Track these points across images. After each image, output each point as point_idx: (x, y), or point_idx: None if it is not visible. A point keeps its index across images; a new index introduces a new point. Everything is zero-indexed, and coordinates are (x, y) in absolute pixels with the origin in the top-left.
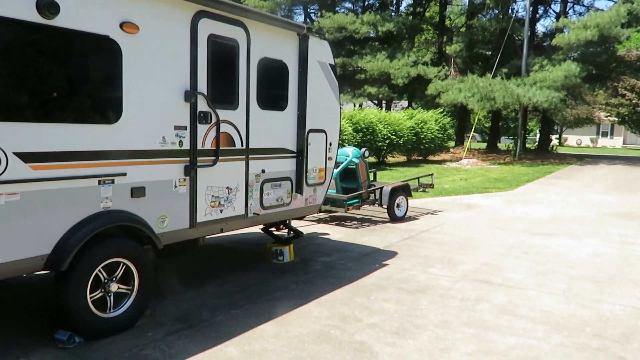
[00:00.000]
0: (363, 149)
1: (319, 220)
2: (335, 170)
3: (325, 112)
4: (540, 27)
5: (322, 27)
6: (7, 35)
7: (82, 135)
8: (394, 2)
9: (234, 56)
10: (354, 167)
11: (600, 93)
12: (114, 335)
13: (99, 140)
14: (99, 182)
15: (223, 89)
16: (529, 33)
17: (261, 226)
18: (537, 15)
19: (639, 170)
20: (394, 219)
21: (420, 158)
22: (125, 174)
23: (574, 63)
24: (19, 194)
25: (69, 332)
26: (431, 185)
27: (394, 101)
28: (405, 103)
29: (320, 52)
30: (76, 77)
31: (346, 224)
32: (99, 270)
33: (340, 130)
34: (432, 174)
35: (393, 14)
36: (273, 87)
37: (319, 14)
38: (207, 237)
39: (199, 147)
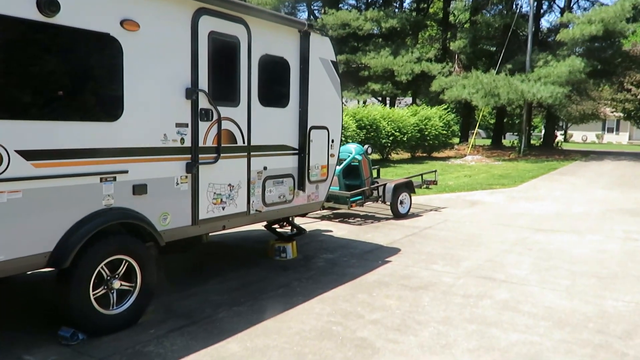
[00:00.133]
0: (366, 146)
1: (322, 217)
2: (338, 167)
3: (327, 108)
4: (544, 23)
5: (325, 23)
6: (7, 34)
7: (83, 132)
8: None
9: (235, 53)
10: (357, 163)
11: (606, 88)
12: (116, 332)
13: (100, 138)
14: (101, 179)
15: (224, 86)
16: (533, 28)
17: (264, 223)
18: (542, 11)
19: None
20: (397, 215)
21: (424, 155)
22: (127, 172)
23: (579, 58)
24: (21, 192)
25: (72, 329)
26: (434, 182)
27: (398, 98)
28: (409, 100)
29: (322, 48)
30: (77, 75)
31: (349, 220)
32: (102, 268)
33: (343, 127)
34: (435, 171)
35: (396, 10)
36: (274, 84)
37: (323, 11)
38: (210, 234)
39: (201, 144)
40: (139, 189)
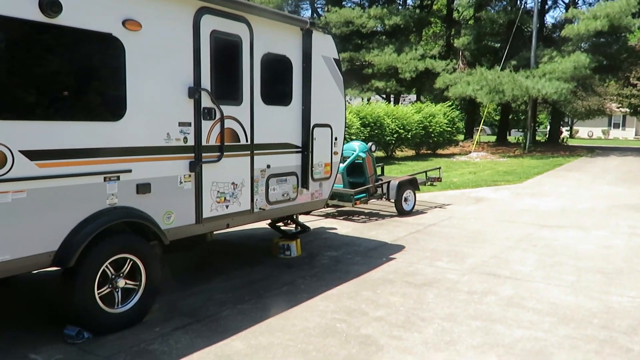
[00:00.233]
0: (370, 144)
1: (327, 215)
2: (342, 165)
3: (330, 106)
4: (549, 19)
5: (328, 21)
6: (10, 34)
7: (86, 132)
8: None
9: (237, 52)
10: (361, 161)
11: (612, 84)
12: (121, 331)
13: (103, 138)
14: (105, 178)
15: (227, 85)
16: (537, 24)
17: (268, 221)
18: (546, 7)
19: None
20: (401, 213)
21: (429, 152)
22: (130, 171)
23: (584, 54)
24: (25, 192)
25: (78, 327)
26: (439, 179)
27: (402, 95)
28: (413, 97)
29: (324, 46)
30: (80, 75)
31: (354, 218)
32: (106, 266)
33: (346, 125)
34: (439, 168)
35: (400, 7)
36: (277, 82)
37: (326, 9)
38: (214, 232)
39: (204, 143)
40: (143, 188)
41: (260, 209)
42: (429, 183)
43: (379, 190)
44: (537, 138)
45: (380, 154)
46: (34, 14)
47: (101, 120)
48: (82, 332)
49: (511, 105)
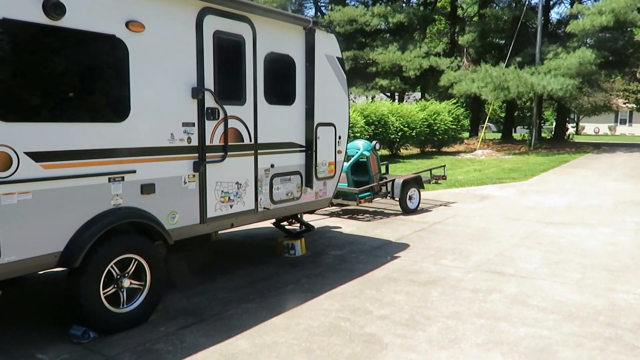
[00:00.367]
0: (374, 142)
1: (331, 214)
2: (347, 164)
3: (334, 105)
4: (554, 15)
5: (332, 20)
6: (14, 37)
7: (91, 133)
8: None
9: (240, 52)
10: (365, 160)
11: (618, 79)
12: (127, 330)
13: (108, 138)
14: (109, 179)
15: (230, 85)
16: (542, 20)
17: (272, 221)
18: (551, 2)
19: None
20: (406, 211)
21: (433, 150)
22: (134, 171)
23: (589, 50)
24: (31, 193)
25: (83, 327)
26: (443, 177)
27: (406, 93)
28: (418, 95)
29: (327, 45)
30: (84, 77)
31: (358, 217)
32: (112, 266)
33: (350, 124)
34: (444, 166)
35: (404, 4)
36: (280, 81)
37: (330, 8)
38: (219, 232)
39: (208, 143)
40: (147, 189)
41: (264, 208)
42: (433, 181)
43: (384, 188)
44: (543, 135)
45: (384, 152)
46: (38, 17)
47: (105, 121)
48: (87, 331)
49: (516, 102)
